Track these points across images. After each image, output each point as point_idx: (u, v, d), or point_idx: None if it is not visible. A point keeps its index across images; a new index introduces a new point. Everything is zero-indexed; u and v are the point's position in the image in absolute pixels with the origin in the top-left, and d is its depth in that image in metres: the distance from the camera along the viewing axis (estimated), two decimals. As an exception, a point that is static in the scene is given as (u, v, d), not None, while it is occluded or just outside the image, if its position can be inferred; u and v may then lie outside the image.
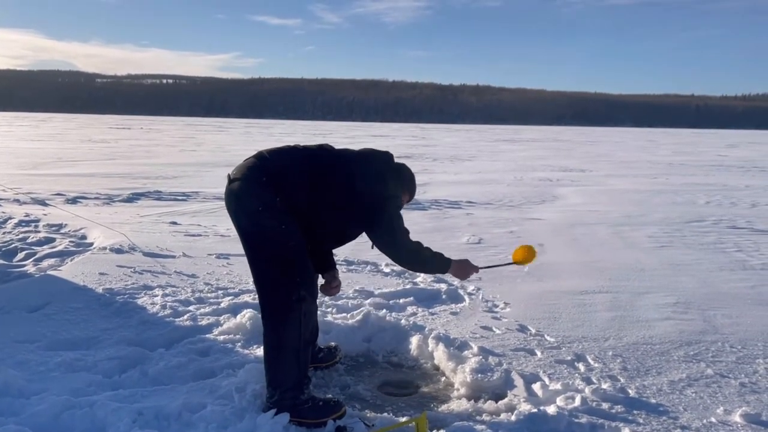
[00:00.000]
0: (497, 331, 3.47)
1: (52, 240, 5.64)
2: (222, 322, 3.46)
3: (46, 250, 5.23)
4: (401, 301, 4.02)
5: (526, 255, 2.87)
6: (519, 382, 2.78)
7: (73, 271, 4.35)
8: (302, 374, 2.47)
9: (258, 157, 2.47)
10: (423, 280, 4.56)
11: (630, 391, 2.71)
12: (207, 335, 3.29)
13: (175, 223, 6.82)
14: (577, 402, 2.54)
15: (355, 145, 3.11)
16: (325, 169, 2.48)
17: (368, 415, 2.51)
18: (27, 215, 6.78)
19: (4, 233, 5.92)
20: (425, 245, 2.56)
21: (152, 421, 2.33)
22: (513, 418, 2.42)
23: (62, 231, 6.10)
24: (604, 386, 2.74)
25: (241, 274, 4.49)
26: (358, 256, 5.07)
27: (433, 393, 2.78)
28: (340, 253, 4.42)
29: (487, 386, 2.73)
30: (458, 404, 2.61)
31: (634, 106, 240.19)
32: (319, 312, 3.19)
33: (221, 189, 2.58)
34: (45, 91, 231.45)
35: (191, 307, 3.72)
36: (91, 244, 5.50)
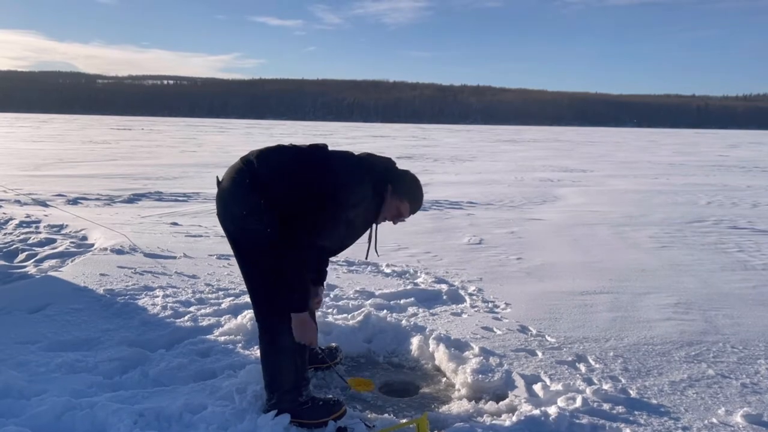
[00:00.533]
0: (498, 332, 3.46)
1: (53, 241, 5.64)
2: (223, 322, 3.46)
3: (47, 251, 5.23)
4: (402, 301, 4.02)
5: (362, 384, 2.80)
6: (520, 382, 2.78)
7: (73, 272, 4.35)
8: (300, 376, 2.46)
9: (244, 161, 2.42)
10: (423, 280, 4.56)
11: (631, 392, 2.71)
12: (208, 336, 3.29)
13: (175, 223, 6.84)
14: (578, 403, 2.54)
15: (356, 146, 3.11)
16: (313, 171, 2.37)
17: (369, 415, 2.51)
18: (28, 216, 6.80)
19: (5, 234, 5.93)
20: (309, 277, 2.39)
21: (153, 422, 2.34)
22: (514, 418, 2.42)
23: (63, 232, 6.11)
24: (605, 387, 2.73)
25: (241, 274, 4.48)
26: (358, 256, 5.07)
27: (434, 394, 2.78)
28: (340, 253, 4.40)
29: (488, 387, 2.73)
30: (459, 405, 2.61)
31: (635, 106, 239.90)
32: (319, 313, 3.18)
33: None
34: (46, 92, 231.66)
35: (192, 308, 3.72)
36: (92, 245, 5.50)
